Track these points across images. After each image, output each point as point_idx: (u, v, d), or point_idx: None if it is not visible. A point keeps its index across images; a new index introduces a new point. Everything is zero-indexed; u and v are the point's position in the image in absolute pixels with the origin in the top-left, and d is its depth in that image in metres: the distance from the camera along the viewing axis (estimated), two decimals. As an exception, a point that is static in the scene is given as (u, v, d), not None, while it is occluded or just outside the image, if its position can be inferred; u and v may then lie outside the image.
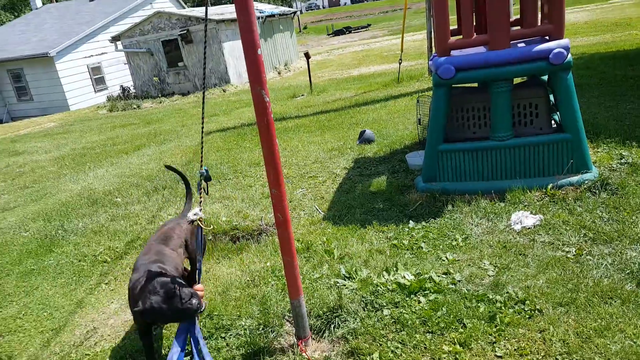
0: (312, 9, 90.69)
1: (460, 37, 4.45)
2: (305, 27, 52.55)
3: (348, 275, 3.32)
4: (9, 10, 43.89)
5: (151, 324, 2.64)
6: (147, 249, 2.93)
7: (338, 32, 42.32)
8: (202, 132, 2.84)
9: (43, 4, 29.58)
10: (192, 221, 2.69)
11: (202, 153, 2.99)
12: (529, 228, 3.75)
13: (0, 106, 22.02)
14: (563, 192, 4.15)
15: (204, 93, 2.48)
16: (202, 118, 2.78)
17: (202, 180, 2.77)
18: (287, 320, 3.01)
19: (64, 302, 3.82)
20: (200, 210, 2.63)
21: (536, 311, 2.75)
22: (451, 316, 2.75)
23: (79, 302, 3.78)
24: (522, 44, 4.31)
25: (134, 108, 16.36)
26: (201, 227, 2.65)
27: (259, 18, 19.18)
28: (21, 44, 22.05)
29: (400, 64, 11.56)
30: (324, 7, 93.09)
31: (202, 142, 2.75)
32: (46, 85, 20.89)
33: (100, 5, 25.11)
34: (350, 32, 42.11)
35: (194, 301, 2.42)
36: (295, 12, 24.09)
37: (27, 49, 21.11)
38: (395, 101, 9.29)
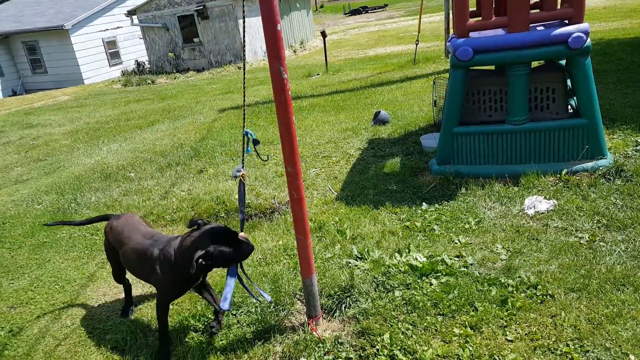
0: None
1: (479, 18, 4.36)
2: (321, 6, 51.85)
3: (360, 256, 3.33)
4: (25, -18, 43.72)
5: (195, 279, 2.67)
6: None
7: (354, 12, 41.70)
8: (244, 91, 2.68)
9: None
10: (235, 177, 2.73)
11: (244, 114, 2.66)
12: (542, 213, 3.72)
13: (14, 78, 22.14)
14: (577, 177, 4.12)
15: (244, 54, 2.45)
16: (244, 79, 2.76)
17: (250, 142, 2.73)
18: (298, 299, 3.04)
19: (76, 275, 3.86)
20: (243, 167, 2.70)
21: (548, 296, 2.74)
22: (462, 299, 2.76)
23: (90, 275, 3.83)
24: (541, 27, 4.21)
25: (149, 83, 16.38)
26: (243, 183, 2.73)
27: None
28: (36, 16, 22.04)
29: (417, 45, 11.38)
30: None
31: (244, 103, 2.62)
32: (61, 58, 20.93)
33: (116, -21, 24.95)
34: (367, 11, 41.47)
35: (250, 244, 2.59)
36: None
37: (42, 21, 21.11)
38: (410, 82, 9.18)
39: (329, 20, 37.95)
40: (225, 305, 2.46)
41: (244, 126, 2.72)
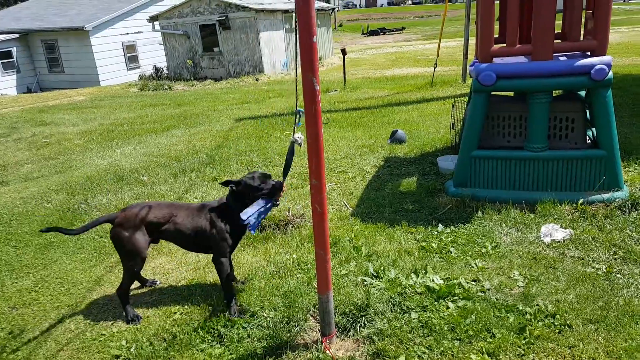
0: (349, 8, 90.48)
1: (503, 45, 4.39)
2: (340, 25, 52.43)
3: (376, 274, 3.30)
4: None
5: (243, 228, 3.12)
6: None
7: (372, 32, 42.15)
8: (296, 70, 2.61)
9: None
10: (295, 141, 2.99)
11: (296, 95, 2.79)
12: (558, 241, 3.69)
13: (30, 76, 22.43)
14: (594, 208, 4.10)
15: (296, 41, 2.39)
16: (296, 59, 2.76)
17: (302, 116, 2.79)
18: (312, 316, 3.01)
19: (83, 277, 3.78)
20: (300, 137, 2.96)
21: (566, 326, 2.70)
22: (480, 324, 2.72)
23: (97, 279, 3.75)
24: (564, 58, 4.24)
25: (165, 89, 16.54)
26: (294, 146, 2.99)
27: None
28: (58, 16, 22.40)
29: (435, 68, 11.44)
30: (360, 7, 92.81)
31: (296, 84, 2.57)
32: (79, 58, 21.21)
33: (139, -15, 25.39)
34: (384, 33, 41.91)
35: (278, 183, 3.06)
36: (333, 9, 24.05)
37: (63, 21, 21.44)
38: (427, 104, 9.21)
39: (347, 39, 38.33)
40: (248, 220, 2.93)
41: (296, 104, 2.86)
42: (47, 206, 5.42)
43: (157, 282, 3.63)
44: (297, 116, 2.85)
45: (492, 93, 4.39)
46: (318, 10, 20.99)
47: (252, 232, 3.01)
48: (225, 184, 3.07)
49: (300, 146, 3.00)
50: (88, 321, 3.21)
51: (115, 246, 3.14)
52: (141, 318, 3.17)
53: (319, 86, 2.31)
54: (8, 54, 21.40)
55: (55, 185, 6.11)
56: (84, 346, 2.95)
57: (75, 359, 2.85)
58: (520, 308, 2.85)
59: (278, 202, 3.14)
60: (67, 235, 4.36)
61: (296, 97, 2.98)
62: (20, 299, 3.55)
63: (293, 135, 3.00)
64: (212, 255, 3.20)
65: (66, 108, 13.52)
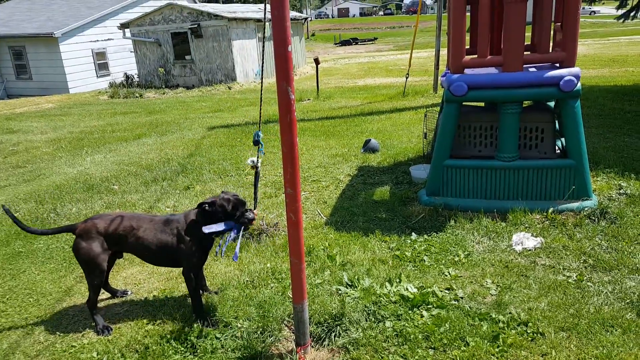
0: (321, 17, 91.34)
1: (473, 56, 4.48)
2: (313, 34, 52.80)
3: (350, 283, 3.29)
4: (16, -12, 43.50)
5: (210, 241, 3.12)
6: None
7: (345, 42, 42.59)
8: (262, 92, 2.68)
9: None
10: (253, 166, 3.13)
11: (260, 114, 2.96)
12: (529, 250, 3.76)
13: (-3, 82, 21.78)
14: (563, 217, 4.19)
15: (262, 66, 2.45)
16: (261, 82, 2.75)
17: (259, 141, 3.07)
18: (286, 326, 2.97)
19: (52, 288, 3.68)
20: (258, 159, 3.11)
21: (539, 334, 2.74)
22: (454, 333, 2.73)
23: (67, 289, 3.66)
24: (533, 69, 4.35)
25: (136, 97, 16.26)
26: (258, 173, 3.17)
27: (270, 20, 19.20)
28: (26, 22, 21.85)
29: (407, 78, 11.61)
30: (333, 17, 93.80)
31: (260, 103, 2.63)
32: (47, 65, 20.69)
33: (110, -9, 25.02)
34: (356, 43, 42.40)
35: (250, 214, 3.04)
36: (306, 19, 24.18)
37: (31, 27, 20.92)
38: (400, 114, 9.32)
39: (319, 48, 38.58)
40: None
41: (259, 126, 3.07)
42: (15, 215, 5.22)
43: (129, 293, 3.54)
44: (258, 141, 2.97)
45: (464, 103, 4.47)
46: (291, 19, 21.09)
47: (234, 260, 3.01)
48: (199, 206, 3.02)
49: (257, 167, 3.14)
50: (58, 332, 3.12)
51: (75, 257, 3.06)
52: (112, 329, 3.09)
53: (294, 95, 2.30)
54: (-28, 60, 20.73)
55: (23, 194, 5.92)
56: (54, 358, 2.87)
57: (42, 374, 2.74)
58: (494, 316, 2.87)
59: (248, 228, 3.19)
60: (32, 235, 4.37)
61: (259, 117, 3.22)
62: None
63: (249, 159, 3.18)
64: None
65: (34, 115, 13.15)
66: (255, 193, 3.28)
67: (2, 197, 5.87)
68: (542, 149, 4.54)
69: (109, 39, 22.00)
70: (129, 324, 3.14)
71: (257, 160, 3.11)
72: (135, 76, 19.60)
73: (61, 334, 3.10)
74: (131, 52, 20.21)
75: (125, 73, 19.82)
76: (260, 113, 2.93)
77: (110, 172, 6.58)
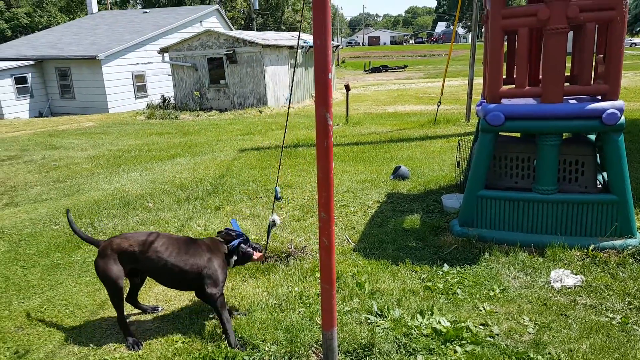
0: (352, 45, 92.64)
1: (510, 86, 4.43)
2: (343, 62, 53.55)
3: (380, 313, 3.21)
4: (65, 12, 45.97)
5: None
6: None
7: (375, 70, 42.95)
8: (282, 147, 2.82)
9: (99, 10, 30.87)
10: (274, 222, 3.51)
11: (278, 171, 3.24)
12: (569, 288, 3.61)
13: (43, 101, 22.78)
14: (605, 254, 4.02)
15: (290, 100, 2.48)
16: (285, 132, 2.79)
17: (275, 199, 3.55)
18: (314, 352, 2.91)
19: (87, 301, 3.76)
20: (276, 217, 3.54)
21: (579, 377, 2.60)
22: (489, 370, 2.62)
23: (101, 303, 3.72)
24: (573, 101, 4.26)
25: (172, 118, 16.70)
26: (271, 225, 3.59)
27: (303, 47, 19.59)
28: (72, 45, 22.95)
29: (438, 106, 11.57)
30: (363, 45, 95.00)
31: (280, 162, 2.81)
32: (90, 86, 21.59)
33: (152, 17, 26.11)
34: (386, 70, 42.70)
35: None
36: (337, 46, 24.56)
37: (77, 50, 21.96)
38: (431, 142, 9.25)
39: (349, 75, 39.01)
40: None
41: (277, 182, 3.46)
42: (55, 228, 5.41)
43: (159, 309, 3.57)
44: (276, 193, 3.32)
45: (500, 133, 4.40)
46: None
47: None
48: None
49: (276, 226, 3.55)
50: (91, 345, 3.17)
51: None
52: (142, 345, 3.11)
53: (332, 121, 2.30)
54: (23, 80, 21.86)
55: (63, 208, 6.09)
56: (84, 372, 2.88)
57: (74, 386, 2.77)
58: (532, 356, 2.75)
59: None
60: (70, 248, 4.60)
61: (278, 172, 3.68)
62: (27, 319, 3.52)
63: (271, 216, 3.46)
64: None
65: (75, 133, 13.65)
66: (267, 242, 3.86)
67: (44, 210, 6.06)
68: (583, 182, 4.41)
69: (148, 62, 22.83)
70: (159, 341, 3.16)
71: (275, 215, 3.53)
72: (172, 98, 20.19)
73: (94, 347, 3.15)
74: (169, 75, 20.89)
75: (162, 95, 20.44)
76: (279, 165, 2.99)
77: (145, 190, 6.72)
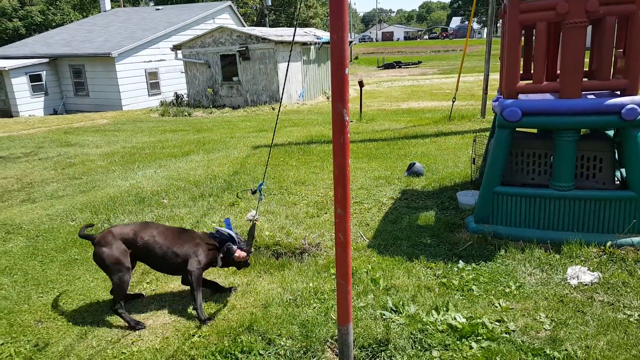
0: (365, 41, 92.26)
1: (528, 81, 4.38)
2: (356, 58, 53.37)
3: (395, 309, 3.21)
4: (79, 10, 46.43)
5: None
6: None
7: (388, 66, 42.71)
8: (271, 146, 2.87)
9: (111, 7, 31.13)
10: (251, 220, 3.52)
11: (266, 170, 3.19)
12: (586, 284, 3.57)
13: (57, 98, 23.06)
14: (623, 251, 3.97)
15: (281, 99, 2.49)
16: (275, 128, 2.80)
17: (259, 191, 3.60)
18: (329, 347, 2.93)
19: (105, 295, 3.81)
20: (257, 213, 3.61)
21: (597, 375, 2.58)
22: (505, 367, 2.61)
23: None
24: (592, 96, 4.20)
25: (185, 115, 16.81)
26: (254, 224, 3.64)
27: (315, 44, 19.57)
28: (86, 42, 23.19)
29: (453, 102, 11.48)
30: (376, 40, 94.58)
31: (269, 156, 2.85)
32: (103, 83, 21.79)
33: (165, 15, 26.26)
34: (400, 66, 42.45)
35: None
36: (350, 42, 24.50)
37: (91, 47, 22.17)
38: (445, 138, 9.19)
39: (362, 71, 38.88)
40: None
41: (264, 178, 3.51)
42: (72, 224, 5.49)
43: (144, 295, 3.75)
44: (260, 190, 3.39)
45: (516, 129, 4.36)
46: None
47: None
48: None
49: (255, 221, 3.61)
50: (109, 339, 3.22)
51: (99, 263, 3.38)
52: (144, 325, 3.33)
53: (348, 117, 2.30)
54: (38, 77, 22.15)
55: (79, 204, 6.17)
56: (104, 364, 2.93)
57: (94, 378, 2.82)
58: (548, 352, 2.73)
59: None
60: (87, 243, 4.62)
61: (266, 167, 3.62)
62: (46, 313, 3.58)
63: (250, 213, 3.41)
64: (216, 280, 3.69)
65: (90, 130, 13.81)
66: (250, 240, 3.78)
67: (60, 206, 6.15)
68: (600, 179, 4.35)
69: (161, 60, 22.97)
70: (175, 335, 3.21)
71: (256, 212, 3.82)
72: (185, 96, 20.31)
73: (112, 341, 3.19)
74: (182, 72, 20.99)
75: (176, 92, 20.57)
76: (271, 145, 3.01)
77: (160, 187, 6.78)
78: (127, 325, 3.32)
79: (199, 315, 3.32)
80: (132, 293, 3.74)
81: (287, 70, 2.42)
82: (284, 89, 2.43)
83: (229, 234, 3.58)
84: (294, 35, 2.45)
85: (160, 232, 3.44)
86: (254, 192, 3.41)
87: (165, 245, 3.38)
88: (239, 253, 3.54)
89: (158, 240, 3.38)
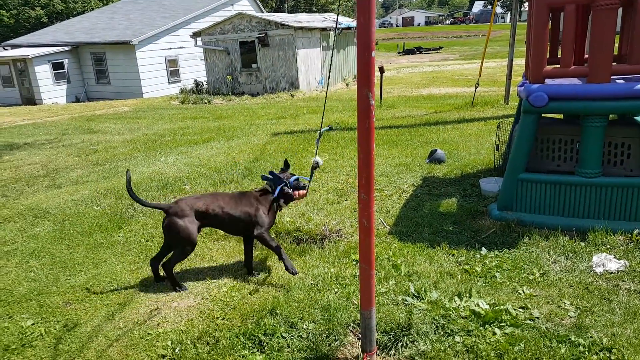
0: (385, 26, 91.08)
1: (555, 66, 4.28)
2: (376, 43, 52.74)
3: (417, 295, 3.22)
4: (100, -2, 46.82)
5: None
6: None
7: (408, 51, 42.15)
8: (327, 89, 2.88)
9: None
10: (317, 163, 3.63)
11: (323, 116, 3.39)
12: (612, 272, 3.52)
13: (79, 86, 23.43)
14: (650, 240, 3.89)
15: (331, 60, 2.48)
16: (328, 78, 2.79)
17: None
18: (351, 331, 2.95)
19: (130, 278, 3.90)
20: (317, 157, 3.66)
21: (624, 363, 2.55)
22: (529, 353, 2.60)
23: (144, 280, 3.86)
24: (621, 81, 4.09)
25: (205, 102, 16.92)
26: (314, 166, 3.71)
27: (335, 29, 19.41)
28: (107, 30, 23.43)
29: (476, 88, 11.30)
30: (397, 26, 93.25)
31: (325, 103, 2.86)
32: (124, 71, 22.04)
33: (184, 2, 26.30)
34: (420, 52, 41.87)
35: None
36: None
37: (111, 35, 22.40)
38: (467, 124, 9.07)
39: (382, 57, 38.46)
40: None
41: (321, 125, 3.39)
42: (97, 209, 5.60)
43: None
44: (319, 135, 3.48)
45: (542, 115, 4.28)
46: (355, 28, 21.13)
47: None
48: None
49: (318, 167, 3.68)
50: (135, 320, 3.29)
51: (168, 233, 3.58)
52: (186, 287, 3.63)
53: (373, 101, 2.29)
54: (60, 65, 22.51)
55: (104, 190, 6.29)
56: (132, 344, 3.02)
57: (124, 355, 2.92)
58: (573, 339, 2.71)
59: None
60: (112, 227, 4.95)
61: (322, 117, 3.47)
62: (74, 294, 3.68)
63: (314, 157, 3.65)
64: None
65: (112, 117, 14.02)
66: (309, 182, 4.00)
67: (85, 192, 6.27)
68: (628, 166, 4.25)
69: (181, 47, 23.10)
70: (200, 317, 3.26)
71: (317, 157, 3.70)
72: (204, 83, 20.41)
73: (138, 322, 3.27)
74: (201, 60, 21.08)
75: (195, 80, 20.69)
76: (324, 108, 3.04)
77: (182, 173, 6.87)
78: (172, 287, 3.62)
79: (286, 266, 3.61)
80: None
81: (332, 47, 2.39)
82: (330, 67, 2.40)
83: (279, 179, 3.82)
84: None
85: (227, 202, 3.68)
86: (321, 134, 3.60)
87: (231, 213, 3.64)
88: (298, 193, 3.83)
89: (226, 211, 3.64)
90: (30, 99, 22.32)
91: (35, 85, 21.84)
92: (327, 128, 3.88)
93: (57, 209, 5.67)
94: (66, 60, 22.69)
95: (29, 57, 21.15)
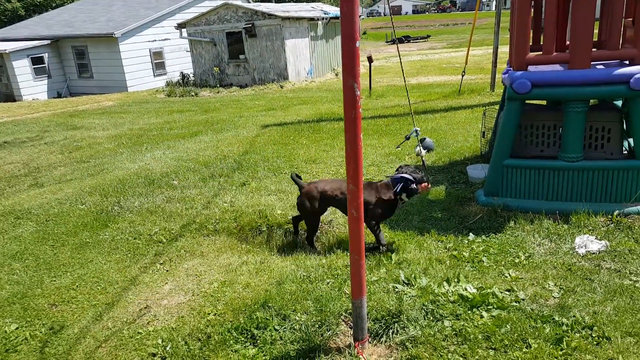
0: (373, 16, 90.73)
1: (537, 53, 4.35)
2: (364, 33, 52.63)
3: (407, 282, 3.29)
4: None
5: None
6: None
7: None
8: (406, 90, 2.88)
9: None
10: (419, 153, 3.97)
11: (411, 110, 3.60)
12: (593, 253, 3.63)
13: (61, 81, 22.99)
14: (630, 220, 4.03)
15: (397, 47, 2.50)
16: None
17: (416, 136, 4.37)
18: (343, 321, 3.01)
19: (118, 277, 3.85)
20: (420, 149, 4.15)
21: (604, 338, 2.65)
22: (515, 334, 2.69)
23: (132, 279, 3.82)
24: (601, 66, 4.18)
25: (192, 95, 16.80)
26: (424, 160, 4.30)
27: (323, 19, 19.32)
28: (88, 23, 22.94)
29: (463, 76, 11.37)
30: (385, 15, 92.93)
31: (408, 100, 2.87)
32: (108, 64, 21.66)
33: (168, -8, 25.92)
34: (409, 41, 41.87)
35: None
36: (359, 17, 24.17)
37: (93, 27, 21.93)
38: (455, 112, 9.15)
39: (370, 47, 38.40)
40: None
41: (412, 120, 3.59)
42: (82, 207, 5.53)
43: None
44: (414, 134, 3.85)
45: (525, 101, 4.36)
46: (343, 18, 21.09)
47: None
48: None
49: (423, 156, 4.17)
50: (124, 319, 3.28)
51: (300, 209, 4.12)
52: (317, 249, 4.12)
53: (359, 92, 2.33)
54: (40, 60, 22.04)
55: (88, 188, 6.22)
56: (121, 343, 3.02)
57: (113, 356, 2.92)
58: (557, 319, 2.80)
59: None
60: (98, 226, 4.83)
61: (411, 115, 3.65)
62: (60, 296, 3.63)
63: (417, 147, 4.00)
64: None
65: (96, 113, 13.84)
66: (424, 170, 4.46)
67: (69, 190, 6.20)
68: (609, 149, 4.36)
69: (165, 39, 22.80)
70: (191, 313, 3.27)
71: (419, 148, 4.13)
72: (191, 75, 20.22)
73: (127, 321, 3.24)
74: (187, 51, 20.87)
75: (182, 72, 20.48)
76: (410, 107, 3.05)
77: (169, 168, 6.85)
78: (313, 249, 4.13)
79: (381, 245, 3.93)
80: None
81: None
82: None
83: (401, 177, 3.91)
84: None
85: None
86: (407, 138, 4.00)
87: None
88: (422, 187, 3.90)
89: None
90: (9, 95, 21.85)
91: (14, 81, 21.34)
92: (414, 131, 4.55)
93: (40, 209, 5.57)
94: (46, 54, 22.21)
95: (6, 52, 20.61)
